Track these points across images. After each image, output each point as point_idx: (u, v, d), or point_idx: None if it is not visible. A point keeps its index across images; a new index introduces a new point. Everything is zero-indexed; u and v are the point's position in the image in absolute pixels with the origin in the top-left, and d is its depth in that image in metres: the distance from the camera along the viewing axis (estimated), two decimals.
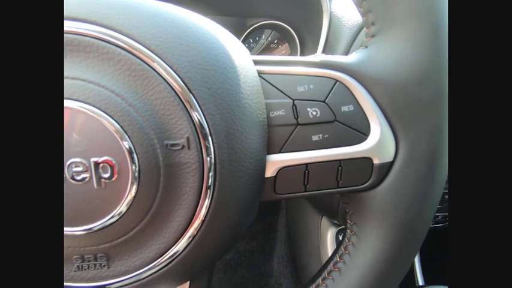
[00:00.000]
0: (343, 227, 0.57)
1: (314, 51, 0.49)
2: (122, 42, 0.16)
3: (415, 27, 0.18)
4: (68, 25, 0.15)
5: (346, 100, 0.19)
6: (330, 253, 0.57)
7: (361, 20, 0.44)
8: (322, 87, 0.20)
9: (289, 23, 0.57)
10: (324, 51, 0.47)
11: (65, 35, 0.15)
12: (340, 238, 0.59)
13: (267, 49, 0.63)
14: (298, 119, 0.19)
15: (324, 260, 0.60)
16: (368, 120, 0.19)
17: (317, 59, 0.20)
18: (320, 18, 0.46)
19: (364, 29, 0.21)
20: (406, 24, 0.19)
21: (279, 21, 0.57)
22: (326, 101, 0.19)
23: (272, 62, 0.20)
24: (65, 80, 0.15)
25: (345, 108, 0.19)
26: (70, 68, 0.16)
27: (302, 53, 0.58)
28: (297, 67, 0.20)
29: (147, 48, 0.16)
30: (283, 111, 0.19)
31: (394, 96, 0.19)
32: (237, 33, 0.61)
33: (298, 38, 0.57)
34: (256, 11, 0.56)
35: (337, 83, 0.20)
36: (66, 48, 0.16)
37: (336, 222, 0.58)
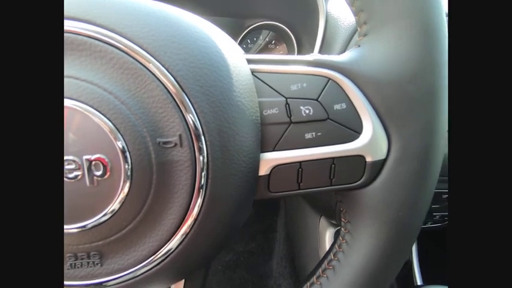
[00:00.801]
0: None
1: (311, 51, 0.49)
2: (115, 41, 0.16)
3: (406, 25, 0.18)
4: None
5: (338, 98, 0.20)
6: None
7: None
8: (315, 86, 0.20)
9: (287, 24, 0.57)
10: (320, 51, 0.47)
11: None
12: None
13: (265, 49, 0.63)
14: (292, 117, 0.19)
15: None
16: (360, 118, 0.20)
17: (310, 58, 0.20)
18: (316, 19, 0.46)
19: (358, 28, 0.21)
20: (397, 22, 0.19)
21: (277, 21, 0.57)
22: (319, 100, 0.19)
23: (265, 61, 0.21)
24: None
25: (337, 107, 0.19)
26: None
27: (299, 53, 0.59)
28: (290, 66, 0.20)
29: (140, 47, 0.16)
30: (276, 110, 0.20)
31: (386, 94, 0.19)
32: (235, 33, 0.61)
33: (295, 38, 0.58)
34: (254, 12, 0.57)
35: (330, 81, 0.20)
36: None
37: (334, 222, 0.58)
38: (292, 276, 0.83)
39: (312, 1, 0.46)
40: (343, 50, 0.44)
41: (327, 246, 0.60)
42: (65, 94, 0.15)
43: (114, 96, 0.16)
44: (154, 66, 0.16)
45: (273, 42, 0.62)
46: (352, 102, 0.19)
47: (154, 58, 0.16)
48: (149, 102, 0.16)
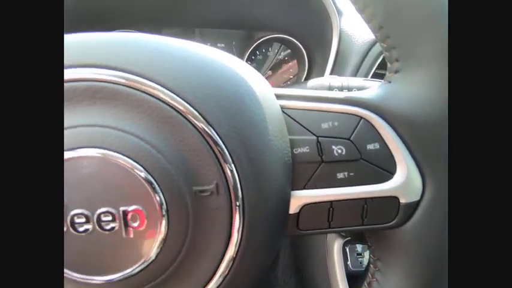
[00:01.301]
0: (349, 238, 0.57)
1: (323, 67, 0.48)
2: (152, 89, 0.15)
3: (440, 66, 0.18)
4: (96, 72, 0.15)
5: (371, 138, 0.19)
6: (336, 264, 0.57)
7: (372, 37, 0.44)
8: (346, 125, 0.19)
9: (298, 38, 0.57)
10: (333, 68, 0.47)
11: (94, 83, 0.15)
12: (347, 249, 0.58)
13: (276, 65, 0.63)
14: (323, 157, 0.19)
15: (331, 271, 0.59)
16: (394, 159, 0.19)
17: (341, 95, 0.20)
18: (329, 35, 0.46)
19: (388, 64, 0.21)
20: (431, 63, 0.18)
21: (288, 35, 0.57)
22: (351, 139, 0.19)
23: (295, 97, 0.20)
24: (95, 128, 0.15)
25: (370, 146, 0.19)
26: (99, 116, 0.15)
27: (310, 69, 0.58)
28: (320, 103, 0.20)
29: (177, 95, 0.16)
30: (307, 148, 0.19)
31: (420, 134, 0.19)
32: (245, 45, 0.61)
33: (306, 53, 0.57)
34: (265, 25, 0.56)
35: (362, 120, 0.19)
36: (95, 95, 0.15)
37: (342, 234, 0.58)
38: (298, 285, 0.82)
39: (324, 16, 0.45)
40: (358, 67, 0.44)
41: (335, 257, 0.60)
42: (101, 144, 0.15)
43: (150, 146, 0.15)
44: (192, 115, 0.16)
45: (284, 56, 0.62)
46: (385, 142, 0.19)
47: (191, 107, 0.16)
48: (186, 150, 0.16)
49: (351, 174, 0.19)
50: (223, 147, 0.16)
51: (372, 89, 0.21)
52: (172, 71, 0.16)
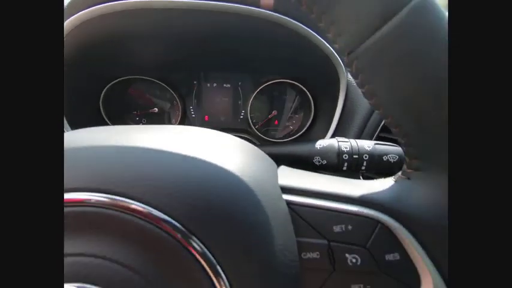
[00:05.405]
0: None
1: (328, 120, 0.47)
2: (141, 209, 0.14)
3: None
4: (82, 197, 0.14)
5: (390, 247, 0.17)
6: None
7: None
8: (362, 229, 0.17)
9: (306, 85, 0.56)
10: (341, 118, 0.45)
11: (81, 208, 0.14)
12: None
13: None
14: (335, 265, 0.17)
15: None
16: (417, 271, 0.17)
17: (355, 194, 0.18)
18: (337, 86, 0.45)
19: (406, 159, 0.19)
20: None
21: (296, 81, 0.56)
22: (367, 247, 0.17)
23: (304, 192, 0.18)
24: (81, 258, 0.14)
25: (389, 257, 0.17)
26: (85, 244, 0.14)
27: (315, 119, 0.57)
28: (332, 202, 0.18)
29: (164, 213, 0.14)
30: (317, 254, 0.17)
31: (445, 245, 0.17)
32: (251, 87, 0.60)
33: (314, 103, 0.56)
34: (272, 70, 0.56)
35: (379, 225, 0.17)
36: (82, 222, 0.14)
37: None
38: None
39: (333, 68, 0.44)
40: (367, 118, 0.42)
41: None
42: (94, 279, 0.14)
43: (139, 276, 0.14)
44: (183, 235, 0.14)
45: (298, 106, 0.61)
46: (406, 253, 0.17)
47: (181, 225, 0.14)
48: (179, 277, 0.14)
49: (368, 287, 0.17)
50: (220, 270, 0.14)
51: (391, 187, 0.19)
52: (176, 203, 0.14)
